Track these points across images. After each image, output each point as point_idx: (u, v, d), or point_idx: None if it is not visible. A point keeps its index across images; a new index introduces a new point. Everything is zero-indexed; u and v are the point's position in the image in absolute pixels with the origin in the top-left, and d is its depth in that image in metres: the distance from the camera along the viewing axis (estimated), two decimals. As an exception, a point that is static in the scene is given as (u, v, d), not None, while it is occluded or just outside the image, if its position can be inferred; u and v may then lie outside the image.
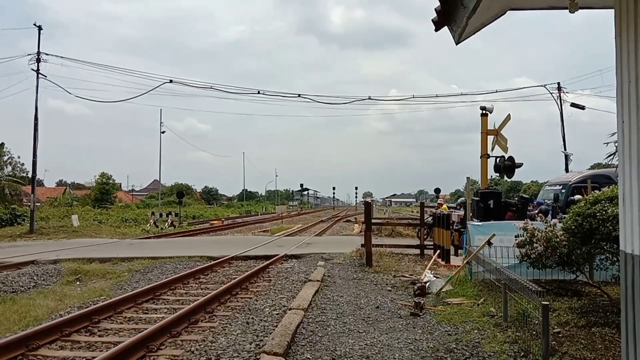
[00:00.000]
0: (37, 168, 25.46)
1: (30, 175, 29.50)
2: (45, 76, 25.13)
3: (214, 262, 12.75)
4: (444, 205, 22.99)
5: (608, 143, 20.15)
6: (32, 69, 24.92)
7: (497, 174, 14.88)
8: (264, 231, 28.00)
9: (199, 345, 5.75)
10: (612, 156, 20.31)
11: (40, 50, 25.06)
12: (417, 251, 14.24)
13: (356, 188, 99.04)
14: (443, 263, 12.40)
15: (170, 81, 24.75)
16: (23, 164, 51.74)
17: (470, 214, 12.39)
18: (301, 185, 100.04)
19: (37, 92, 24.83)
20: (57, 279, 10.97)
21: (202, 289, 9.58)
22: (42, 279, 10.87)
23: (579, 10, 3.93)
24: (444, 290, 8.53)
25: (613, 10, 3.53)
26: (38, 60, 24.95)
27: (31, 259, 13.01)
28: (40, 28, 25.28)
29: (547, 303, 4.73)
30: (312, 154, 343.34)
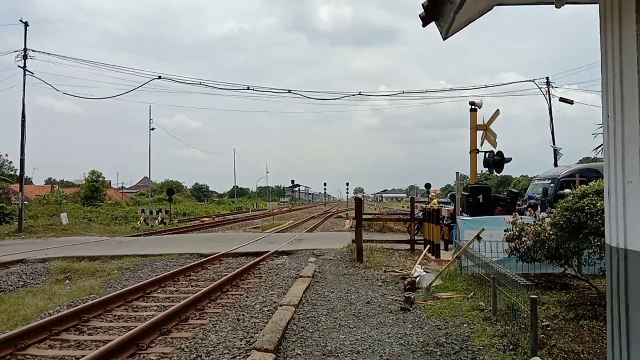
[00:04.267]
0: (26, 166, 25.25)
1: (18, 173, 29.24)
2: (33, 73, 24.81)
3: (205, 259, 12.73)
4: (434, 200, 23.12)
5: (596, 135, 20.28)
6: (19, 66, 24.59)
7: (487, 169, 14.93)
8: (255, 228, 27.96)
9: (189, 342, 5.75)
10: (600, 149, 20.43)
11: (27, 47, 24.75)
12: (408, 246, 14.31)
13: (347, 184, 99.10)
14: (433, 258, 12.46)
15: (159, 77, 24.60)
16: (11, 162, 51.45)
17: (460, 209, 12.46)
18: (292, 181, 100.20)
19: (24, 90, 24.52)
20: (46, 278, 10.91)
21: (192, 286, 9.56)
22: (30, 277, 10.81)
23: (565, 6, 3.93)
24: (434, 284, 8.58)
25: (598, 5, 3.55)
26: (25, 57, 24.57)
27: (20, 257, 12.91)
28: (26, 24, 24.91)
29: (536, 297, 4.77)
30: (303, 150, 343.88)
